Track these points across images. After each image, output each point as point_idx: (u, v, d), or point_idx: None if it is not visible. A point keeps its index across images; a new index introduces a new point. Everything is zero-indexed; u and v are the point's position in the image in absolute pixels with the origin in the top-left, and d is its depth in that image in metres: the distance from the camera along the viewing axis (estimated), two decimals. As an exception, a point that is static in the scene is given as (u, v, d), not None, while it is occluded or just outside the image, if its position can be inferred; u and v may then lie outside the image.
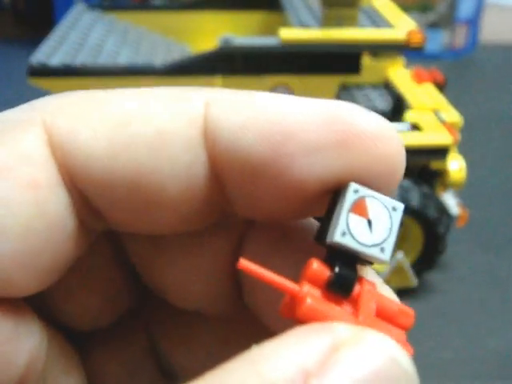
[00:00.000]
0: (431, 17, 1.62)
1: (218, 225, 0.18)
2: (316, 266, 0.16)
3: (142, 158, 0.15)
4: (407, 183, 0.77)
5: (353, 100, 0.86)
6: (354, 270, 0.16)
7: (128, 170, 0.15)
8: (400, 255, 0.75)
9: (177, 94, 0.16)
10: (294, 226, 0.19)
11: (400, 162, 0.17)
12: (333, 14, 0.72)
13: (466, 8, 1.62)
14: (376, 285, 0.17)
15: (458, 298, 0.82)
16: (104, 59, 0.74)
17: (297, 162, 0.15)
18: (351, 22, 0.72)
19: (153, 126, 0.15)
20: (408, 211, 0.78)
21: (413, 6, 1.60)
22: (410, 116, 0.83)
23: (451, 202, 0.85)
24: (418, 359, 0.66)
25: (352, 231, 0.16)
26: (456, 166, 0.81)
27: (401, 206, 0.17)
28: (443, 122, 0.82)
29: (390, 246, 0.16)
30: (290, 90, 0.74)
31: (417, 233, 0.80)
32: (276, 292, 0.16)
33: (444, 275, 0.86)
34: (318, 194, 0.17)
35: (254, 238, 0.18)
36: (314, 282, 0.16)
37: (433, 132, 0.79)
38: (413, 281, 0.78)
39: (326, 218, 0.17)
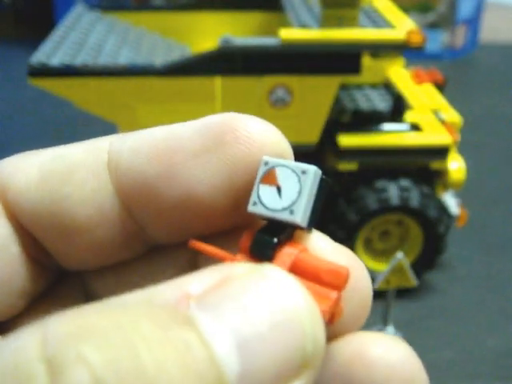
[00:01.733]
0: (431, 17, 1.62)
1: (168, 251, 0.20)
2: (246, 236, 0.17)
3: (54, 187, 0.18)
4: (407, 183, 0.77)
5: (353, 100, 0.86)
6: (277, 236, 0.17)
7: (47, 198, 0.18)
8: (400, 255, 0.75)
9: (92, 140, 0.19)
10: None
11: (275, 149, 0.18)
12: (333, 14, 0.72)
13: (465, 8, 1.62)
14: (309, 249, 0.17)
15: (457, 298, 0.82)
16: (104, 59, 0.74)
17: (185, 168, 0.17)
18: (351, 22, 0.72)
19: (67, 161, 0.18)
20: (408, 211, 0.78)
21: (413, 6, 1.60)
22: (410, 116, 0.83)
23: (451, 202, 0.85)
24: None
25: (262, 199, 0.17)
26: (456, 166, 0.81)
27: (311, 169, 0.17)
28: (443, 122, 0.82)
29: (300, 207, 0.17)
30: (289, 90, 0.74)
31: (417, 233, 0.80)
32: None
33: (444, 275, 0.86)
34: (222, 203, 0.18)
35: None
36: (245, 251, 0.17)
37: (433, 132, 0.79)
38: (413, 281, 0.78)
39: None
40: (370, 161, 0.78)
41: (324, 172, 0.18)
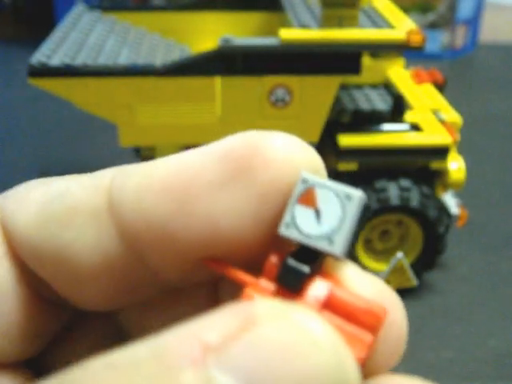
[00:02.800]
0: (431, 17, 1.62)
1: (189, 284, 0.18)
2: (273, 260, 0.15)
3: (56, 233, 0.17)
4: (407, 183, 0.77)
5: (353, 100, 0.86)
6: (309, 264, 0.15)
7: (48, 245, 0.17)
8: (400, 255, 0.75)
9: (93, 174, 0.17)
10: None
11: (310, 168, 0.16)
12: (333, 14, 0.72)
13: (465, 8, 1.62)
14: (342, 281, 0.15)
15: (458, 297, 0.82)
16: (104, 59, 0.74)
17: (204, 203, 0.15)
18: (351, 22, 0.72)
19: (66, 203, 0.17)
20: (408, 211, 0.78)
21: (413, 6, 1.60)
22: (409, 116, 0.83)
23: (451, 202, 0.85)
24: (418, 359, 0.67)
25: (297, 222, 0.15)
26: (456, 166, 0.81)
27: (356, 195, 0.15)
28: (443, 122, 0.82)
29: (341, 237, 0.15)
30: (289, 90, 0.74)
31: (417, 233, 0.80)
32: None
33: (444, 275, 0.86)
34: (249, 235, 0.16)
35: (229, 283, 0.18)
36: (270, 276, 0.15)
37: (433, 132, 0.79)
38: (413, 281, 0.78)
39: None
40: (370, 161, 0.78)
41: None
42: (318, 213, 0.15)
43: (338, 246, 0.15)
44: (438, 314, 0.79)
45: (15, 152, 1.13)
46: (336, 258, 0.15)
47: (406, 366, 0.71)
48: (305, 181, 0.15)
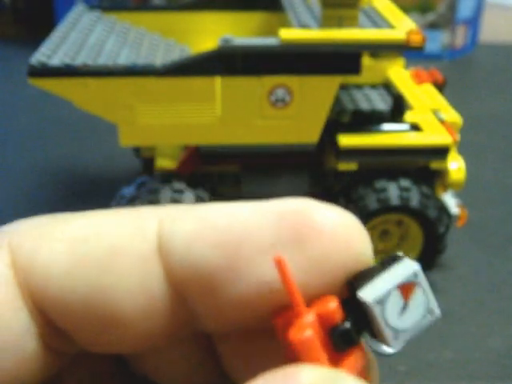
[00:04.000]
0: (431, 17, 1.62)
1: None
2: (333, 306, 0.16)
3: (93, 276, 0.15)
4: (407, 183, 0.77)
5: (353, 100, 0.86)
6: (359, 333, 0.16)
7: (82, 288, 0.15)
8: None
9: (132, 213, 0.17)
10: None
11: (360, 248, 0.16)
12: (333, 14, 0.72)
13: (465, 8, 1.62)
14: (369, 359, 0.16)
15: (457, 297, 0.82)
16: (104, 59, 0.74)
17: (254, 263, 0.15)
18: (351, 22, 0.72)
19: (105, 244, 0.16)
20: (408, 211, 0.78)
21: (413, 6, 1.60)
22: (409, 116, 0.83)
23: (451, 202, 0.85)
24: (418, 359, 0.67)
25: (385, 303, 0.16)
26: (456, 166, 0.81)
27: (438, 314, 0.17)
28: (443, 122, 0.82)
29: (404, 337, 0.16)
30: (289, 90, 0.74)
31: (417, 233, 0.80)
32: (255, 365, 0.16)
33: (444, 275, 0.86)
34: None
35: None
36: (322, 317, 0.16)
37: (433, 132, 0.79)
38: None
39: (371, 273, 0.17)
40: (370, 161, 0.78)
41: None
42: (404, 307, 0.16)
43: (397, 345, 0.16)
44: (438, 314, 0.79)
45: (15, 152, 1.13)
46: (386, 346, 0.16)
47: (406, 365, 0.71)
48: (415, 275, 0.16)
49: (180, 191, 0.76)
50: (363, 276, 0.17)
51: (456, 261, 0.89)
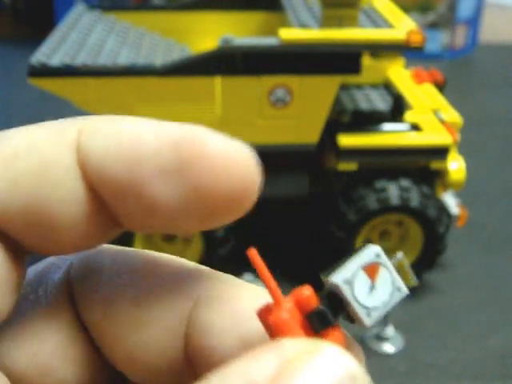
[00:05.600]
0: (431, 17, 1.62)
1: (166, 302, 0.20)
2: (306, 293, 0.17)
3: (28, 188, 0.17)
4: (407, 183, 0.77)
5: (353, 100, 0.86)
6: (335, 316, 0.17)
7: (21, 201, 0.17)
8: (400, 255, 0.75)
9: (58, 124, 0.18)
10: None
11: (250, 180, 0.18)
12: (333, 14, 0.72)
13: (465, 8, 1.62)
14: (346, 339, 0.18)
15: (458, 297, 0.82)
16: (104, 59, 0.74)
17: (151, 183, 0.17)
18: (351, 22, 0.72)
19: (35, 158, 0.18)
20: (408, 211, 0.78)
21: (413, 6, 1.60)
22: (409, 116, 0.83)
23: (451, 201, 0.85)
24: (418, 359, 0.67)
25: (354, 284, 0.18)
26: (456, 166, 0.81)
27: (405, 291, 0.18)
28: (443, 122, 0.82)
29: (377, 314, 0.18)
30: (289, 90, 0.74)
31: (417, 233, 0.80)
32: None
33: (444, 275, 0.86)
34: (185, 214, 0.18)
35: (202, 314, 0.20)
36: (299, 305, 0.17)
37: (433, 132, 0.79)
38: (413, 281, 0.78)
39: (340, 262, 0.18)
40: (370, 161, 0.78)
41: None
42: (372, 287, 0.18)
43: (371, 321, 0.18)
44: (438, 314, 0.79)
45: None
46: (362, 326, 0.18)
47: (406, 366, 0.71)
48: (378, 256, 0.18)
49: (180, 191, 0.76)
50: (333, 266, 0.18)
51: (456, 261, 0.89)
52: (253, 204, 0.18)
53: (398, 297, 0.18)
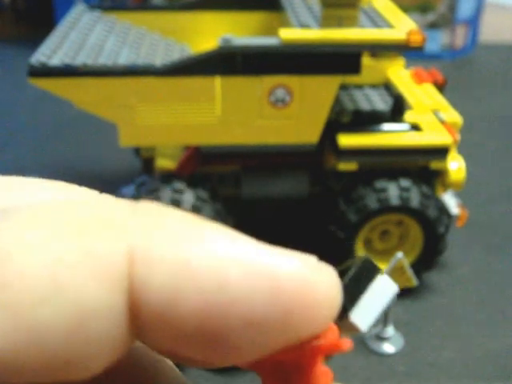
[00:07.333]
0: (431, 17, 1.62)
1: None
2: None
3: (56, 351, 0.12)
4: (407, 183, 0.77)
5: (353, 100, 0.86)
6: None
7: (40, 363, 0.12)
8: (400, 255, 0.75)
9: (90, 238, 0.13)
10: None
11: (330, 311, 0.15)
12: (333, 14, 0.72)
13: (465, 8, 1.62)
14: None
15: (458, 297, 0.82)
16: (104, 59, 0.74)
17: (237, 334, 0.13)
18: (351, 22, 0.72)
19: (67, 303, 0.12)
20: (408, 211, 0.78)
21: (413, 6, 1.60)
22: (409, 116, 0.83)
23: (451, 202, 0.85)
24: (418, 359, 0.67)
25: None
26: (456, 166, 0.81)
27: (395, 287, 0.18)
28: (443, 122, 0.82)
29: (371, 321, 0.17)
30: (289, 90, 0.74)
31: (417, 233, 0.80)
32: None
33: (444, 275, 0.86)
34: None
35: None
36: None
37: (433, 132, 0.79)
38: (413, 281, 0.78)
39: (353, 288, 0.17)
40: (370, 161, 0.78)
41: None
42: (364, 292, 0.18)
43: (367, 327, 0.17)
44: (438, 314, 0.79)
45: (15, 152, 1.13)
46: (358, 333, 0.18)
47: (406, 365, 0.71)
48: (395, 294, 0.18)
49: (180, 191, 0.76)
50: (348, 292, 0.17)
51: (456, 261, 0.89)
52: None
53: (390, 294, 0.18)
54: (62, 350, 0.12)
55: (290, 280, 0.13)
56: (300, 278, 0.13)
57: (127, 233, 0.13)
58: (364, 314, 0.17)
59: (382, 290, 0.17)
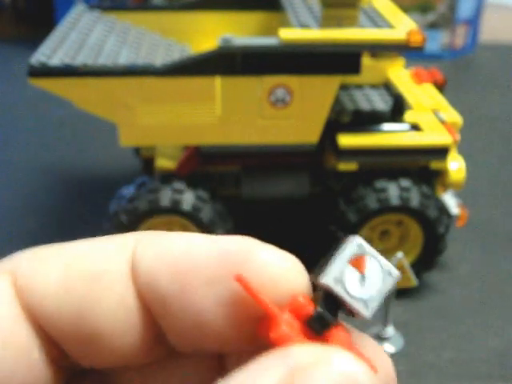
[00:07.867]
0: (431, 17, 1.62)
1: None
2: (301, 300, 0.17)
3: (81, 292, 0.18)
4: (407, 183, 0.77)
5: (353, 100, 0.86)
6: (335, 315, 0.18)
7: (72, 304, 0.18)
8: (400, 255, 0.75)
9: (112, 238, 0.19)
10: None
11: (292, 282, 0.18)
12: (333, 14, 0.72)
13: (465, 8, 1.62)
14: (352, 335, 0.18)
15: (458, 297, 0.82)
16: (104, 59, 0.74)
17: (196, 295, 0.17)
18: (351, 22, 0.72)
19: (89, 263, 0.18)
20: (408, 211, 0.78)
21: (413, 6, 1.60)
22: (409, 116, 0.83)
23: (451, 202, 0.85)
24: (418, 359, 0.67)
25: (344, 281, 0.18)
26: (456, 166, 0.81)
27: (396, 273, 0.18)
28: (443, 122, 0.82)
29: (374, 304, 0.18)
30: (289, 90, 0.74)
31: (417, 233, 0.80)
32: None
33: (444, 275, 0.86)
34: (228, 329, 0.18)
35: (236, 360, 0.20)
36: (296, 313, 0.17)
37: (433, 132, 0.79)
38: (413, 281, 0.78)
39: (325, 260, 0.18)
40: (370, 161, 0.78)
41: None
42: (363, 278, 0.18)
43: (370, 311, 0.18)
44: (438, 314, 0.79)
45: (15, 152, 1.13)
46: (363, 319, 0.18)
47: (406, 365, 0.71)
48: (360, 247, 0.18)
49: (180, 191, 0.76)
50: (319, 265, 0.18)
51: (456, 261, 0.89)
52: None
53: (390, 281, 0.18)
54: (85, 295, 0.18)
55: (237, 248, 0.18)
56: (244, 246, 0.18)
57: (139, 235, 0.19)
58: (335, 276, 0.17)
59: (349, 251, 0.18)
